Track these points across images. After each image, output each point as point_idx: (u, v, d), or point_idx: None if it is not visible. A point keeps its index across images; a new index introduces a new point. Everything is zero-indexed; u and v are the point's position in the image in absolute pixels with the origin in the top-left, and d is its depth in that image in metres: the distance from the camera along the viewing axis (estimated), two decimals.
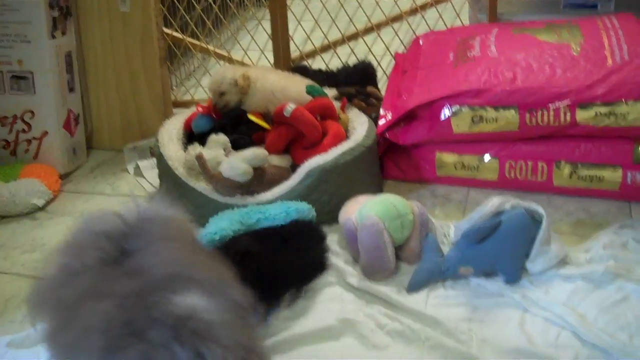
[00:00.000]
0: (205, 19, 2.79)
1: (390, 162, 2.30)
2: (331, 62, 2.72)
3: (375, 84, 2.51)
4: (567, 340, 1.57)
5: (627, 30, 2.24)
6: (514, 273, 1.75)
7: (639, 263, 1.79)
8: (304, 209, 1.91)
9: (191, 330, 1.05)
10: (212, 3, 2.79)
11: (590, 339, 1.55)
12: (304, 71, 2.46)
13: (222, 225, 1.80)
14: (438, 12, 2.68)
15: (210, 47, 2.84)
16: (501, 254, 1.74)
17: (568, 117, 2.06)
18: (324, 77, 2.47)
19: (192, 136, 2.24)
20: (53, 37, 2.36)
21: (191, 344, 1.04)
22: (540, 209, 1.80)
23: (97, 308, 1.10)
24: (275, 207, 1.90)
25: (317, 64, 2.73)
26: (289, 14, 2.63)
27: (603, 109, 2.03)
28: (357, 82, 2.45)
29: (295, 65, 2.65)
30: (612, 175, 2.08)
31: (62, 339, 1.13)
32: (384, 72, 2.72)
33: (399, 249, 1.85)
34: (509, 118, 2.10)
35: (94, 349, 1.08)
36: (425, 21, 2.71)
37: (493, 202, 1.81)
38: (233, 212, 1.88)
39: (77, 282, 1.14)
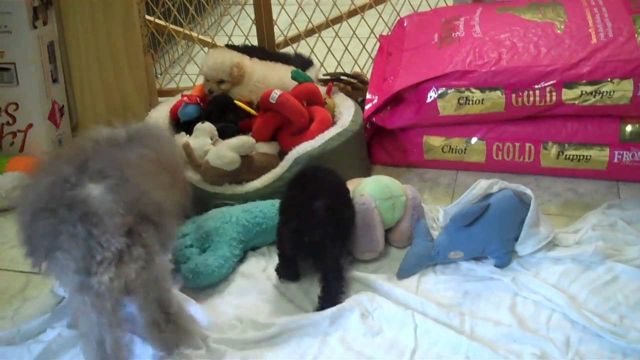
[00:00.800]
0: (188, 5, 2.76)
1: (378, 146, 2.30)
2: (316, 46, 2.71)
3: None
4: (558, 322, 1.58)
5: (611, 8, 2.23)
6: (504, 256, 1.75)
7: (627, 243, 1.81)
8: None
9: (90, 214, 1.33)
10: None
11: (580, 321, 1.56)
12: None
13: (223, 252, 1.79)
14: None
15: (194, 34, 2.81)
16: (490, 237, 1.74)
17: (554, 97, 2.06)
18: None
19: (179, 125, 2.23)
20: (34, 27, 2.33)
21: (87, 224, 1.32)
22: (528, 191, 1.80)
23: (39, 186, 1.39)
24: (270, 213, 1.88)
25: (301, 48, 2.72)
26: None
27: (588, 88, 2.04)
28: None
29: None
30: (599, 155, 2.08)
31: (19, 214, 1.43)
32: (369, 55, 2.71)
33: (389, 232, 1.86)
34: (495, 99, 2.10)
35: (24, 219, 1.39)
36: (409, 2, 2.69)
37: (481, 184, 1.81)
38: (222, 229, 1.84)
39: (44, 177, 1.41)
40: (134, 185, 1.39)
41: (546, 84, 2.05)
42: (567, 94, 2.05)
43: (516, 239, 1.77)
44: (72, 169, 1.39)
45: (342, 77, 2.54)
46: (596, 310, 1.60)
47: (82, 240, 1.33)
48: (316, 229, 1.64)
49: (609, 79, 2.02)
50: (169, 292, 1.48)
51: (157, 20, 2.73)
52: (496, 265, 1.75)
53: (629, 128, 2.06)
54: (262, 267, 1.83)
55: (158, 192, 1.45)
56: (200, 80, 2.68)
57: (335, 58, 2.71)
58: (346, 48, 2.70)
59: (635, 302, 1.62)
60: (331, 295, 1.67)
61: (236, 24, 2.75)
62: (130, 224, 1.36)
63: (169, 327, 1.48)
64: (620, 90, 2.02)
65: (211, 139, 2.08)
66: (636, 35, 2.08)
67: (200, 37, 2.82)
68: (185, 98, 2.21)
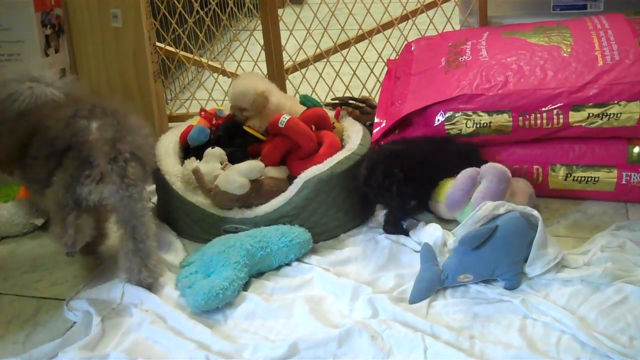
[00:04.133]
0: (198, 32, 2.80)
1: None
2: (324, 71, 2.73)
3: None
4: (568, 344, 1.58)
5: (616, 30, 2.25)
6: (513, 278, 1.75)
7: (636, 264, 1.80)
8: (305, 239, 1.94)
9: (88, 141, 1.71)
10: (203, 16, 2.80)
11: (590, 343, 1.56)
12: None
13: (227, 275, 1.80)
14: (429, 17, 2.70)
15: (204, 60, 2.85)
16: (499, 260, 1.75)
17: (561, 119, 2.07)
18: None
19: (189, 150, 2.25)
20: (46, 54, 2.37)
21: (85, 148, 1.70)
22: (535, 212, 1.81)
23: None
24: (274, 238, 1.91)
25: (310, 73, 2.74)
26: (281, 24, 2.64)
27: (595, 110, 2.05)
28: None
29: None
30: (608, 176, 2.09)
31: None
32: (377, 79, 2.73)
33: None
34: (502, 122, 2.11)
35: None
36: (416, 27, 2.72)
37: (486, 206, 1.82)
38: (227, 253, 1.86)
39: None
40: (125, 126, 1.78)
41: (553, 107, 2.07)
42: (574, 117, 2.06)
43: (525, 261, 1.77)
44: (84, 106, 1.78)
45: (351, 102, 2.56)
46: (606, 331, 1.60)
47: (80, 159, 1.71)
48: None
49: (615, 102, 2.03)
50: (142, 219, 1.80)
51: (168, 47, 2.77)
52: (506, 288, 1.75)
53: (636, 149, 2.06)
54: (268, 292, 1.84)
55: (141, 138, 1.83)
56: (210, 106, 2.72)
57: (343, 82, 2.74)
58: (354, 73, 2.73)
59: None
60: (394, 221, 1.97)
61: (245, 49, 2.78)
62: (116, 153, 1.73)
63: (137, 258, 1.81)
64: (627, 113, 2.03)
65: (221, 164, 2.10)
66: None
67: (209, 63, 2.86)
68: (202, 113, 2.24)
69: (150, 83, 2.49)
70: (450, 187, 2.01)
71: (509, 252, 1.76)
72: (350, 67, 2.72)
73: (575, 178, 2.11)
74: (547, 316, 1.65)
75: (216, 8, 2.78)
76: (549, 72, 2.12)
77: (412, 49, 2.56)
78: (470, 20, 2.72)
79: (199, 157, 2.15)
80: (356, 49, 2.75)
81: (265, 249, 1.89)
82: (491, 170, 1.97)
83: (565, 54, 2.17)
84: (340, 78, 2.74)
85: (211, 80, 2.95)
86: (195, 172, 2.02)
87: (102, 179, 1.72)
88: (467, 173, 2.01)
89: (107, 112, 1.78)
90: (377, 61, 2.74)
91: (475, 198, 1.95)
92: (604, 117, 2.04)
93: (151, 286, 1.84)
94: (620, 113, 2.03)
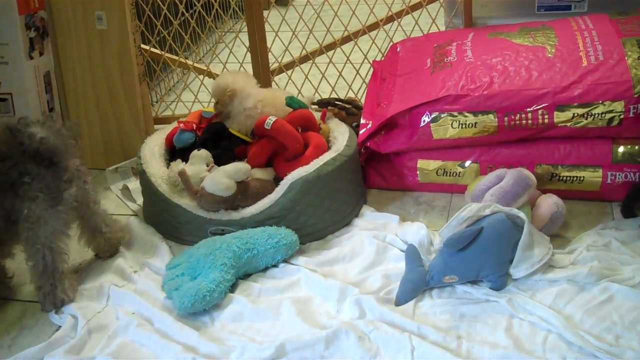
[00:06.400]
0: (183, 33, 2.79)
1: (372, 170, 2.31)
2: (310, 72, 2.73)
3: None
4: (555, 343, 1.59)
5: (600, 31, 2.26)
6: (499, 279, 1.76)
7: (622, 263, 1.82)
8: (292, 241, 1.93)
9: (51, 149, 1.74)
10: (189, 18, 2.79)
11: (576, 342, 1.57)
12: None
13: (214, 277, 1.79)
14: (414, 18, 2.70)
15: (189, 62, 2.84)
16: (484, 261, 1.75)
17: (546, 119, 2.08)
18: None
19: (174, 152, 2.24)
20: (31, 57, 2.36)
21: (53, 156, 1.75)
22: (522, 214, 1.82)
23: None
24: (261, 239, 1.91)
25: (296, 74, 2.74)
26: (266, 26, 2.64)
27: (580, 110, 2.06)
28: None
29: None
30: (593, 176, 2.10)
31: None
32: (363, 80, 2.74)
33: None
34: (487, 122, 2.12)
35: None
36: (402, 28, 2.72)
37: (471, 207, 1.82)
38: (213, 255, 1.86)
39: None
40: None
41: (538, 107, 2.08)
42: (559, 117, 2.07)
43: (511, 262, 1.78)
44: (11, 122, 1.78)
45: (337, 103, 2.56)
46: (592, 330, 1.61)
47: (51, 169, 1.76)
48: None
49: (600, 101, 2.04)
50: (97, 205, 1.94)
51: (153, 49, 2.76)
52: (492, 288, 1.76)
53: (621, 149, 2.08)
54: (255, 293, 1.83)
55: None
56: (196, 107, 2.71)
57: (329, 84, 2.74)
58: (340, 74, 2.73)
59: (630, 321, 1.63)
60: None
61: (231, 51, 2.78)
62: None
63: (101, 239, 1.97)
64: (611, 112, 2.04)
65: (207, 166, 2.09)
66: (626, 57, 2.10)
67: (195, 65, 2.85)
68: (181, 125, 2.23)
69: (135, 85, 2.48)
70: (478, 180, 2.02)
71: (494, 254, 1.76)
72: (336, 68, 2.72)
73: (561, 178, 2.12)
74: (534, 316, 1.66)
75: (201, 10, 2.78)
76: (533, 72, 2.13)
77: (398, 50, 2.56)
78: (455, 21, 2.73)
79: (185, 159, 2.14)
80: (342, 51, 2.75)
81: (252, 251, 1.89)
82: (514, 172, 1.96)
83: (550, 55, 2.18)
84: (326, 79, 2.74)
85: (197, 82, 2.94)
86: (181, 174, 2.02)
87: None
88: (497, 171, 2.01)
89: None
90: (362, 62, 2.74)
91: (481, 192, 1.96)
92: (588, 116, 2.05)
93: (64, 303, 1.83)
94: (605, 113, 2.04)
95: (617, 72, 2.07)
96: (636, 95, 2.01)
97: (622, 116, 2.03)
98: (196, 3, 2.75)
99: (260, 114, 2.21)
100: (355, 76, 2.75)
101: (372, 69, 2.64)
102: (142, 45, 2.58)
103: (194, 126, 2.24)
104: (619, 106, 2.03)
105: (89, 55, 2.45)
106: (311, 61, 2.76)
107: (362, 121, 2.30)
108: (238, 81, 2.25)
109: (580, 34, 2.26)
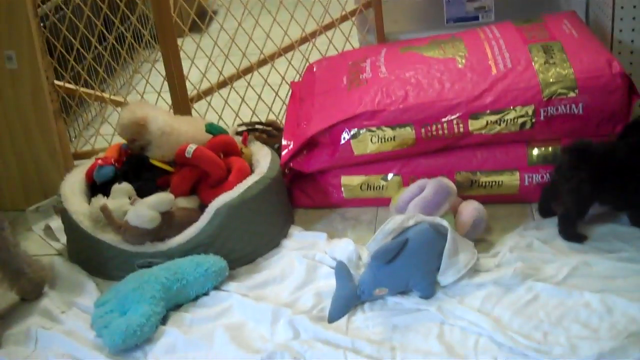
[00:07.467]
0: (97, 67, 2.76)
1: (298, 190, 2.32)
2: (229, 97, 2.73)
3: None
4: (485, 346, 1.62)
5: (507, 39, 2.33)
6: (427, 288, 1.79)
7: (545, 262, 1.87)
8: (221, 267, 1.93)
9: None
10: (102, 51, 2.76)
11: (506, 343, 1.60)
12: None
13: (144, 311, 1.77)
14: (328, 38, 2.73)
15: (106, 95, 2.80)
16: (412, 271, 1.78)
17: (462, 128, 2.13)
18: None
19: (96, 187, 2.21)
20: None
21: None
22: (445, 222, 1.85)
23: None
24: (189, 268, 1.89)
25: (215, 100, 2.74)
26: (182, 54, 2.63)
27: (493, 117, 2.11)
28: None
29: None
30: (511, 179, 2.16)
31: None
32: (283, 101, 2.75)
33: None
34: (405, 135, 2.15)
35: None
36: (317, 48, 2.75)
37: (395, 219, 1.85)
38: (141, 288, 1.83)
39: None
40: None
41: (453, 117, 2.13)
42: (474, 125, 2.12)
43: (438, 269, 1.81)
44: None
45: (257, 126, 2.57)
46: (520, 330, 1.65)
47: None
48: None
49: (511, 107, 2.11)
50: (17, 247, 1.97)
51: (67, 85, 2.72)
52: (421, 297, 1.78)
53: (535, 151, 2.14)
54: (187, 323, 1.81)
55: None
56: (116, 140, 2.67)
57: (249, 107, 2.74)
58: (259, 97, 2.74)
59: (556, 318, 1.67)
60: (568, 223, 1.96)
61: (147, 81, 2.76)
62: None
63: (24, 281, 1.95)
64: (523, 117, 2.10)
65: (129, 199, 2.07)
66: (533, 63, 2.17)
67: (112, 97, 2.82)
68: (99, 161, 2.20)
69: (51, 123, 2.44)
70: (402, 192, 2.04)
71: (421, 263, 1.79)
72: (255, 91, 2.73)
73: (480, 183, 2.17)
74: (464, 320, 1.69)
75: (114, 42, 2.75)
76: (446, 83, 2.18)
77: (314, 69, 2.59)
78: (368, 38, 2.78)
79: (107, 193, 2.11)
80: (259, 74, 2.76)
81: (181, 281, 1.87)
82: (434, 182, 2.00)
83: (460, 65, 2.24)
84: (246, 103, 2.75)
85: (115, 115, 2.89)
86: (103, 209, 1.99)
87: None
88: (418, 182, 2.05)
89: None
90: (281, 84, 2.76)
91: (405, 203, 1.99)
92: (502, 122, 2.11)
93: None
94: (517, 118, 2.10)
95: (526, 78, 2.13)
96: (545, 99, 2.08)
97: (533, 120, 2.10)
98: (109, 36, 2.72)
99: (177, 129, 2.18)
100: (275, 98, 2.76)
101: (290, 90, 2.66)
102: (56, 82, 2.54)
103: (113, 160, 2.21)
104: (529, 110, 2.10)
105: (0, 95, 2.40)
106: (229, 86, 2.76)
107: (284, 142, 2.31)
108: (141, 108, 2.22)
109: (488, 44, 2.33)
